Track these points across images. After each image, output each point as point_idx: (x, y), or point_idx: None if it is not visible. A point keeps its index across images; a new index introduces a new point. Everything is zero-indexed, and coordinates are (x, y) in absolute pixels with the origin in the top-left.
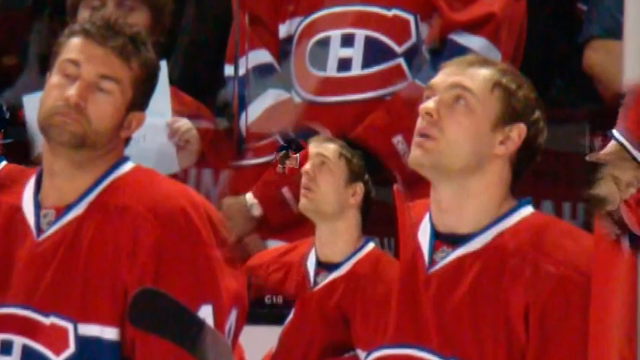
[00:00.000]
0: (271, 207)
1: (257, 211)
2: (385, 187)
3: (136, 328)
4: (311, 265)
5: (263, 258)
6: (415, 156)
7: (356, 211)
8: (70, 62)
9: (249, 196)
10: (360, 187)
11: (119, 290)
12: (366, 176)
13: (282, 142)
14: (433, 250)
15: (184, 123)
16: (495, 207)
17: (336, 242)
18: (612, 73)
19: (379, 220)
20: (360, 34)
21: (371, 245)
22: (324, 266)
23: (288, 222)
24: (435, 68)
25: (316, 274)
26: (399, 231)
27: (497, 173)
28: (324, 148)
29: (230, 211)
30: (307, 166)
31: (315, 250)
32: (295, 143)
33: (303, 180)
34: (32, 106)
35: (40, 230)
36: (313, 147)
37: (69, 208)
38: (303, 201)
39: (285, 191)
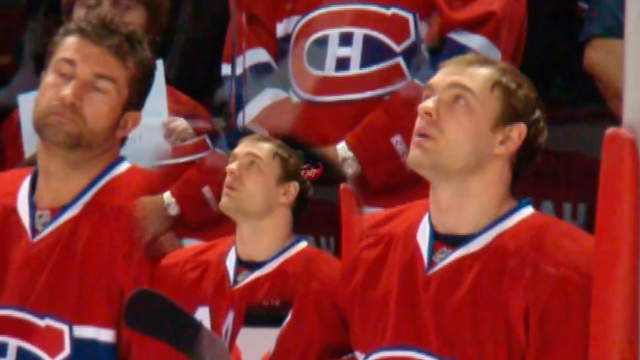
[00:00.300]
0: (189, 206)
1: (174, 210)
2: (333, 186)
3: (132, 330)
4: (230, 263)
5: (178, 257)
6: (414, 156)
7: (286, 209)
8: (66, 61)
9: (167, 195)
10: (294, 186)
11: (115, 292)
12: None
13: (209, 142)
14: (432, 251)
15: (181, 123)
16: (495, 207)
17: (260, 240)
18: (613, 72)
19: (322, 218)
20: (359, 33)
21: (303, 244)
22: (245, 265)
23: (207, 221)
24: (435, 67)
25: (237, 272)
26: (342, 230)
27: (497, 173)
28: (257, 147)
29: (145, 209)
30: (233, 166)
31: (235, 249)
32: (223, 143)
33: (228, 179)
34: (27, 105)
35: (35, 231)
36: (243, 146)
37: (64, 208)
38: (224, 200)
39: (206, 190)
